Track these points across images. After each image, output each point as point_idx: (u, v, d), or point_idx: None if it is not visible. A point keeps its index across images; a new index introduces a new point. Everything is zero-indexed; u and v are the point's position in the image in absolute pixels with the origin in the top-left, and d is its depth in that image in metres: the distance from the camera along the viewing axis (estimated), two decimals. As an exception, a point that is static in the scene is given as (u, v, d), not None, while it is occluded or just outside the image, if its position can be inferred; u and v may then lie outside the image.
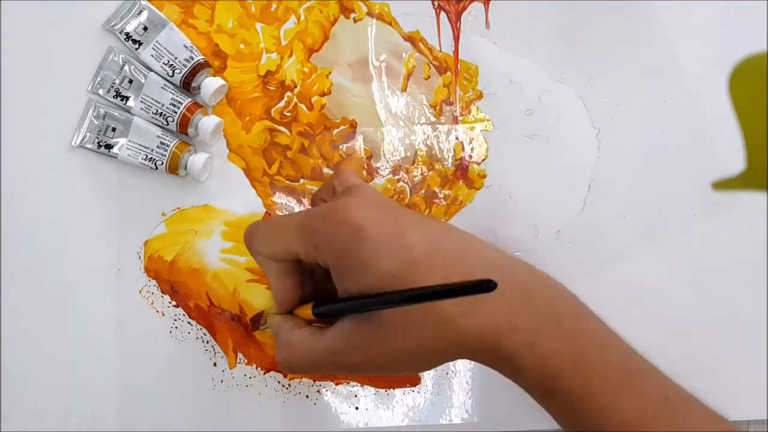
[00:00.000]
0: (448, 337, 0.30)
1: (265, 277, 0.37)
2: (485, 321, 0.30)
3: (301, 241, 0.32)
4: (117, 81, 0.44)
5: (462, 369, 0.45)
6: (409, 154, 0.46)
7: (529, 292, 0.32)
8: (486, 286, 0.24)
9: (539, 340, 0.30)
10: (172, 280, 0.45)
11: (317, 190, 0.41)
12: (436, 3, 0.47)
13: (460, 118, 0.47)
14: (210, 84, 0.44)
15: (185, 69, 0.44)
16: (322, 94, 0.46)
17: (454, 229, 0.34)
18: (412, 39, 0.47)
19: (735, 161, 0.23)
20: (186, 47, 0.44)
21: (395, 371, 0.33)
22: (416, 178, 0.46)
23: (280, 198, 0.46)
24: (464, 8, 0.47)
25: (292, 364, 0.34)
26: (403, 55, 0.47)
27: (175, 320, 0.45)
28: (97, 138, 0.44)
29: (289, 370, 0.35)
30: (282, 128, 0.46)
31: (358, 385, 0.44)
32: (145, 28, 0.44)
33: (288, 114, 0.46)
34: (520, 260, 0.33)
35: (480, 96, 0.47)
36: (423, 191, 0.46)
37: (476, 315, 0.30)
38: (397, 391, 0.45)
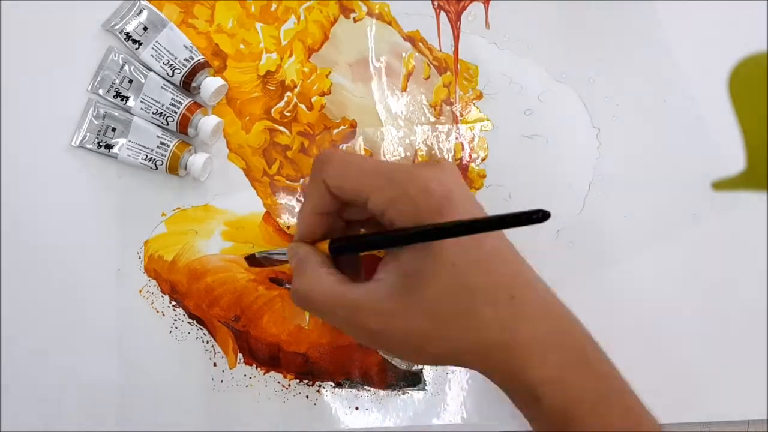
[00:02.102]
0: (476, 342, 0.31)
1: (304, 202, 0.36)
2: (518, 343, 0.31)
3: (380, 187, 0.32)
4: (117, 81, 0.44)
5: (461, 369, 0.45)
6: (409, 154, 0.46)
7: (564, 327, 0.32)
8: (539, 216, 0.23)
9: (567, 377, 0.31)
10: (172, 280, 0.45)
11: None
12: (436, 3, 0.47)
13: (460, 118, 0.47)
14: (210, 84, 0.44)
15: (185, 69, 0.44)
16: (322, 94, 0.46)
17: (514, 246, 0.34)
18: (412, 39, 0.47)
19: (735, 161, 0.23)
20: (186, 47, 0.44)
21: (406, 354, 0.33)
22: (416, 178, 0.46)
23: (280, 198, 0.46)
24: (464, 8, 0.47)
25: (311, 297, 0.33)
26: (403, 55, 0.47)
27: (175, 320, 0.45)
28: (97, 138, 0.44)
29: (304, 304, 0.34)
30: (282, 128, 0.46)
31: (359, 385, 0.44)
32: (145, 28, 0.44)
33: (288, 114, 0.46)
34: (557, 299, 0.34)
35: (480, 96, 0.47)
36: (423, 191, 0.46)
37: (512, 333, 0.31)
38: (397, 392, 0.45)
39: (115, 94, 0.44)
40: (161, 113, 0.43)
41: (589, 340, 0.33)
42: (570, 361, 0.31)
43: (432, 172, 0.32)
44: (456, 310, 0.30)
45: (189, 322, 0.45)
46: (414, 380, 0.45)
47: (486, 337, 0.31)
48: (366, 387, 0.44)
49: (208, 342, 0.45)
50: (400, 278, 0.31)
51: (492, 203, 0.46)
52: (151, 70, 0.44)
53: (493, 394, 0.45)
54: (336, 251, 0.34)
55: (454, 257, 0.30)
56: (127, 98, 0.44)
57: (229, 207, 0.45)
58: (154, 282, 0.45)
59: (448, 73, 0.47)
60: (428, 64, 0.47)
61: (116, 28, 0.44)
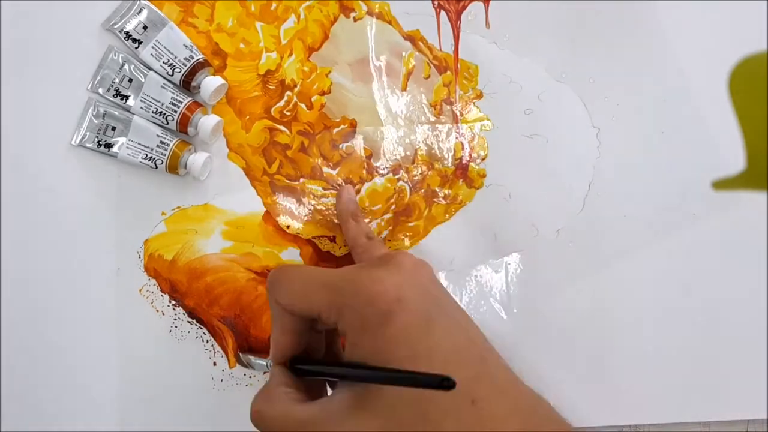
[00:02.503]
0: None
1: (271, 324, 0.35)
2: None
3: (326, 300, 0.31)
4: (117, 80, 0.44)
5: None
6: (408, 153, 0.46)
7: (536, 419, 0.31)
8: (444, 384, 0.24)
9: None
10: (172, 280, 0.45)
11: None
12: (436, 2, 0.47)
13: (460, 118, 0.47)
14: (210, 83, 0.44)
15: (185, 68, 0.44)
16: (322, 93, 0.46)
17: (479, 338, 0.32)
18: (412, 38, 0.47)
19: (735, 161, 0.23)
20: (186, 46, 0.44)
21: None
22: (416, 178, 0.46)
23: (280, 197, 0.46)
24: (464, 7, 0.47)
25: (263, 417, 0.32)
26: (403, 54, 0.47)
27: (175, 320, 0.45)
28: (97, 137, 0.44)
29: (257, 424, 0.33)
30: (282, 127, 0.46)
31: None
32: (145, 27, 0.44)
33: (288, 113, 0.46)
34: (531, 391, 0.32)
35: (480, 95, 0.47)
36: (423, 190, 0.46)
37: None
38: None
39: (114, 93, 0.44)
40: (161, 112, 0.43)
41: (558, 422, 0.32)
42: None
43: (378, 273, 0.31)
44: (413, 421, 0.28)
45: (189, 322, 0.45)
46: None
47: None
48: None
49: (208, 341, 0.45)
50: (353, 392, 0.30)
51: (492, 203, 0.46)
52: (150, 69, 0.44)
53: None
54: (294, 372, 0.34)
55: (407, 363, 0.29)
56: (127, 97, 0.44)
57: (229, 206, 0.45)
58: (154, 281, 0.45)
59: (448, 72, 0.47)
60: (428, 63, 0.47)
61: (116, 27, 0.44)
